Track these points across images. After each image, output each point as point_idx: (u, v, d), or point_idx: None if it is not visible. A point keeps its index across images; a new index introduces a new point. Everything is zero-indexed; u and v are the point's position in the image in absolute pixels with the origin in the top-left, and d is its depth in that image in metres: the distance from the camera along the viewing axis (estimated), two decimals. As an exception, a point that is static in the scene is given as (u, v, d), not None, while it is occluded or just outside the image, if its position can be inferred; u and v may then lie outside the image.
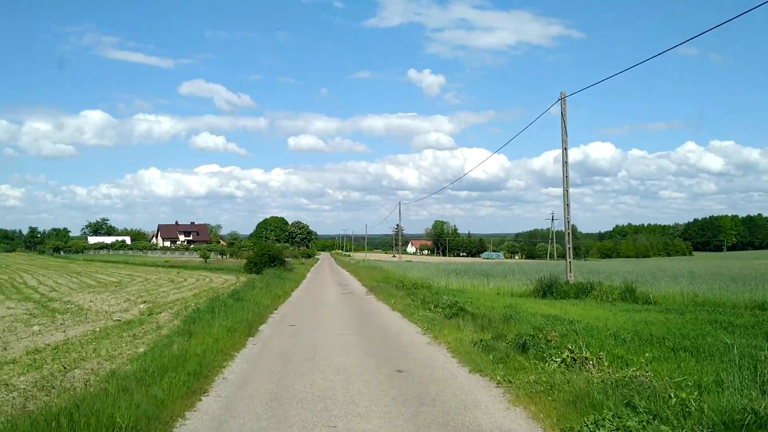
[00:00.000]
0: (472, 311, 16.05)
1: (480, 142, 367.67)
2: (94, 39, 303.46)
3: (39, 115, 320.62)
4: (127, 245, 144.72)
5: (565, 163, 22.55)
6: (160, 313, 18.81)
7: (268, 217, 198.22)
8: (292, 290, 27.69)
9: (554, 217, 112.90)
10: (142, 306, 21.28)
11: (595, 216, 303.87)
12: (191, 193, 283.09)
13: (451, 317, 14.55)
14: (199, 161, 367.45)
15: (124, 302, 22.88)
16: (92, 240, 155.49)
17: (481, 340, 10.26)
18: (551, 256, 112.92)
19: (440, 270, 41.19)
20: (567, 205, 22.47)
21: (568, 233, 22.62)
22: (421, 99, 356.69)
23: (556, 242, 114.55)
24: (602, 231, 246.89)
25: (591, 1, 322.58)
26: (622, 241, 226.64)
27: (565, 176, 22.56)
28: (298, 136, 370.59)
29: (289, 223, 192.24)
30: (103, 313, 19.25)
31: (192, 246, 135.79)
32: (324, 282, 37.04)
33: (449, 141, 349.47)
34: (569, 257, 22.58)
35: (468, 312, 15.57)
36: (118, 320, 17.48)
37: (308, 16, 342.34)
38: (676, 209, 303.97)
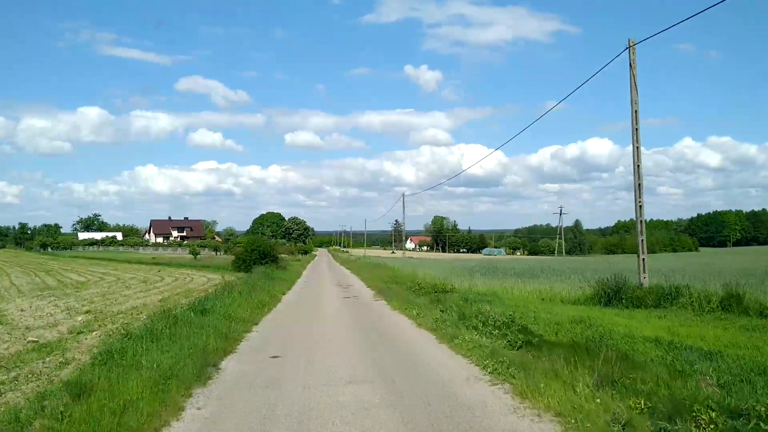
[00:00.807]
0: (537, 332, 10.86)
1: (478, 138, 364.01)
2: (90, 35, 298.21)
3: (36, 111, 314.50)
4: (118, 241, 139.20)
5: (636, 130, 17.34)
6: (95, 330, 13.60)
7: (264, 213, 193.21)
8: (283, 294, 22.47)
9: (562, 212, 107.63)
10: (80, 318, 16.05)
11: (593, 212, 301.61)
12: (189, 190, 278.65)
13: (520, 347, 9.34)
14: (196, 158, 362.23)
15: (63, 312, 17.64)
16: (82, 236, 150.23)
17: (660, 421, 4.98)
18: (559, 252, 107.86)
19: (456, 268, 35.91)
20: (639, 185, 17.24)
21: (641, 221, 17.38)
22: (418, 95, 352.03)
23: (559, 238, 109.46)
24: (602, 227, 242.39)
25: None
26: (627, 236, 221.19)
27: (636, 147, 17.35)
28: (295, 132, 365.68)
29: (286, 219, 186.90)
30: (21, 330, 14.10)
31: (185, 242, 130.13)
32: (322, 282, 31.82)
33: (446, 137, 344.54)
34: (643, 252, 17.34)
35: (536, 335, 10.38)
36: (32, 342, 12.34)
37: (305, 12, 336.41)
38: (673, 205, 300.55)
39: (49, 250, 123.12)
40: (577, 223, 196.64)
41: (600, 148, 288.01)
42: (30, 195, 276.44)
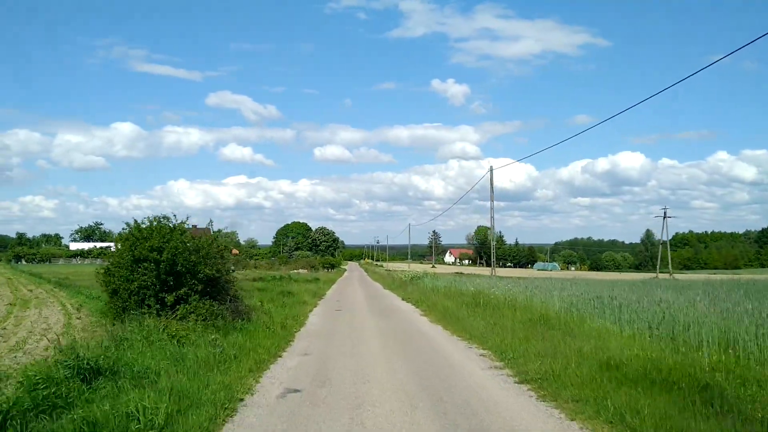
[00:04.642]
0: None
1: (506, 152, 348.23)
2: (122, 52, 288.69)
3: (70, 127, 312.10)
4: (108, 253, 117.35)
5: None
6: None
7: (289, 223, 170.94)
8: None
9: (666, 214, 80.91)
10: None
11: (625, 226, 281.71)
12: (220, 204, 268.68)
13: None
14: (227, 172, 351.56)
15: None
16: (75, 247, 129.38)
17: None
18: (662, 268, 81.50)
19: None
20: None
21: None
22: (446, 109, 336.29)
23: (663, 248, 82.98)
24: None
25: (617, 8, 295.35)
26: (705, 250, 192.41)
27: None
28: (323, 146, 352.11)
29: (313, 229, 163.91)
30: None
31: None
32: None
33: (475, 151, 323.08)
34: None
35: None
36: None
37: (331, 27, 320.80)
38: (708, 219, 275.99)
39: (23, 262, 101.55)
40: (649, 234, 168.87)
41: (631, 161, 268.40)
42: (65, 209, 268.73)
